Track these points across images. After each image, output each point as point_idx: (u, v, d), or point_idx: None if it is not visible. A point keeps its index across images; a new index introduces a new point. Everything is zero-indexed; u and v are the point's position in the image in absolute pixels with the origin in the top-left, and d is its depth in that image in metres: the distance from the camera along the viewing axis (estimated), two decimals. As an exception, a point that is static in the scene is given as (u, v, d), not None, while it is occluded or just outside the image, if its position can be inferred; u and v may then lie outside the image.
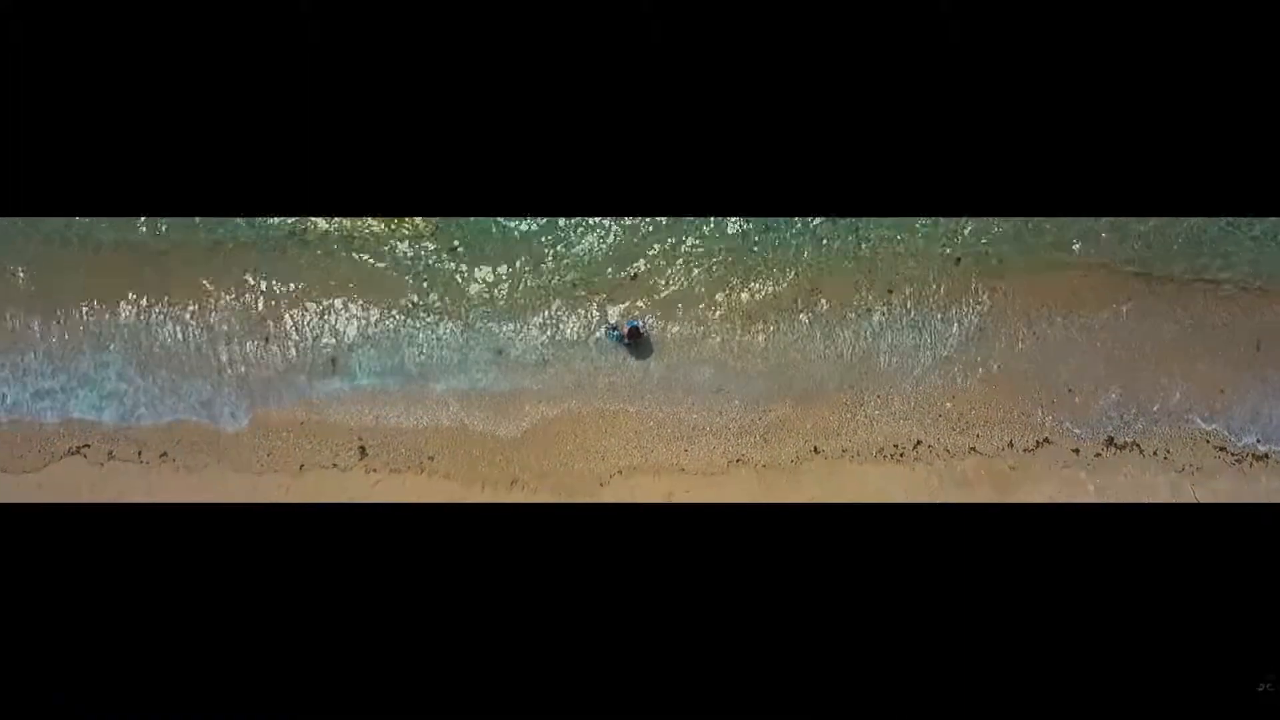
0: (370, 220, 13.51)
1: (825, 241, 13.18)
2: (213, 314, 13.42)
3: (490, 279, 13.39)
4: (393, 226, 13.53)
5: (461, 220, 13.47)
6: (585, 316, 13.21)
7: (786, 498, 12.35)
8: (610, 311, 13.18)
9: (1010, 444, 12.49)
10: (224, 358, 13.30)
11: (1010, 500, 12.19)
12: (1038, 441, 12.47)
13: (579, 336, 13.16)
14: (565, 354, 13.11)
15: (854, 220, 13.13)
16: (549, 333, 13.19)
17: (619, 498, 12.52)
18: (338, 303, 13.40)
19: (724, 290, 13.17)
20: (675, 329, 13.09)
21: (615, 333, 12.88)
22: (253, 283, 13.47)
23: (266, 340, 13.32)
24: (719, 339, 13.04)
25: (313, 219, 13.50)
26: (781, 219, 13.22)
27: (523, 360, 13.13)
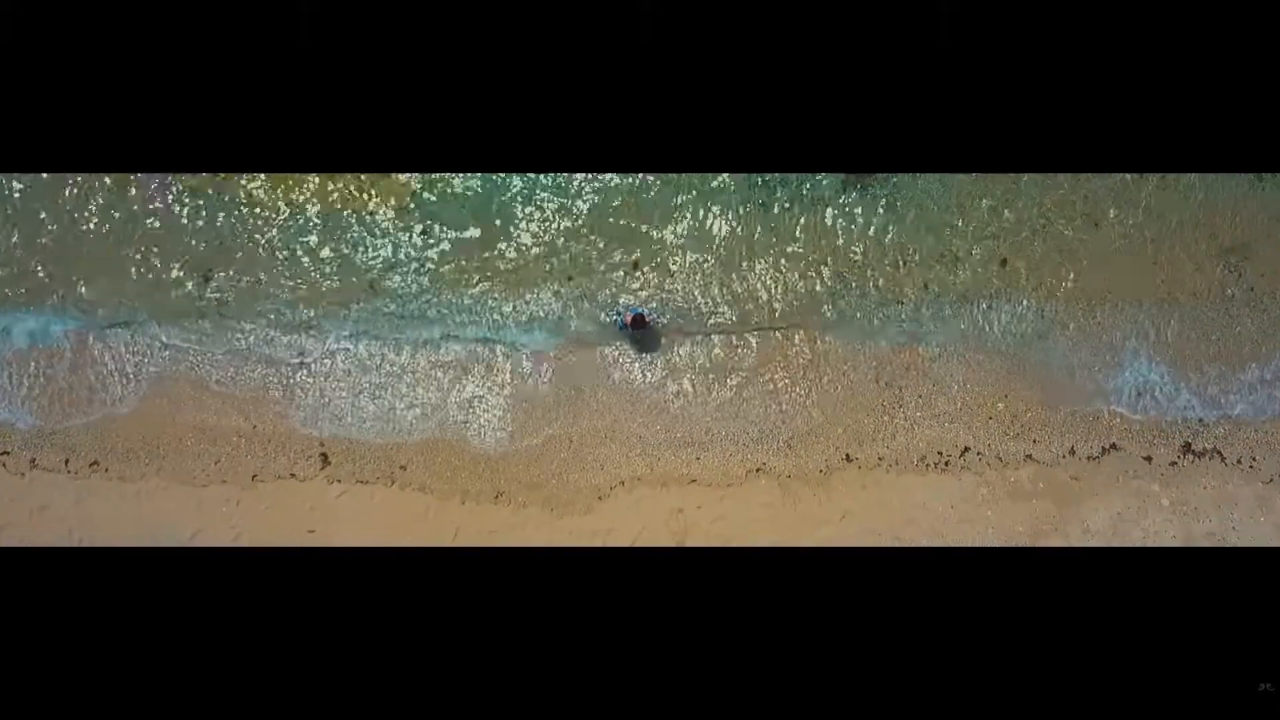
0: (335, 191, 11.81)
1: (856, 224, 11.62)
2: (154, 297, 11.64)
3: (474, 261, 11.71)
4: (361, 199, 11.84)
5: (440, 194, 11.79)
6: (583, 304, 11.56)
7: (815, 512, 10.79)
8: (612, 298, 11.53)
9: (1072, 451, 10.96)
10: (164, 351, 11.52)
11: (1074, 513, 10.69)
12: (1104, 448, 10.98)
13: (575, 327, 11.51)
14: (559, 347, 11.47)
15: (890, 200, 11.63)
16: (541, 323, 11.54)
17: (620, 512, 10.94)
18: (302, 288, 11.68)
19: (741, 277, 11.59)
20: (686, 318, 11.48)
21: (617, 322, 11.23)
22: (199, 262, 11.72)
23: (221, 329, 11.58)
24: (735, 331, 11.45)
25: (271, 183, 11.82)
26: (808, 200, 11.66)
27: (511, 355, 11.49)
